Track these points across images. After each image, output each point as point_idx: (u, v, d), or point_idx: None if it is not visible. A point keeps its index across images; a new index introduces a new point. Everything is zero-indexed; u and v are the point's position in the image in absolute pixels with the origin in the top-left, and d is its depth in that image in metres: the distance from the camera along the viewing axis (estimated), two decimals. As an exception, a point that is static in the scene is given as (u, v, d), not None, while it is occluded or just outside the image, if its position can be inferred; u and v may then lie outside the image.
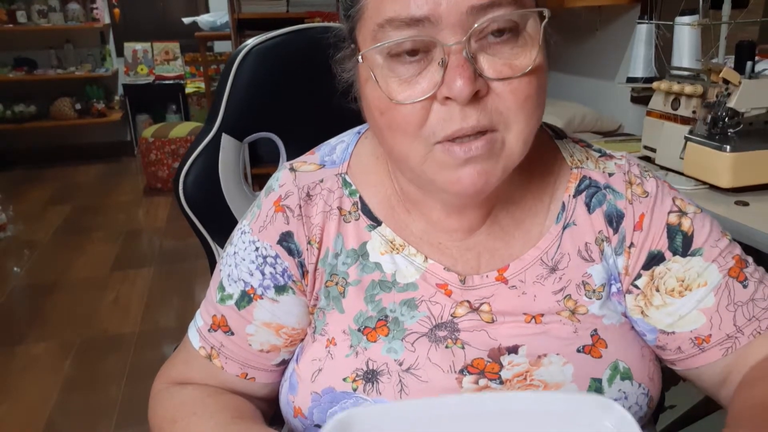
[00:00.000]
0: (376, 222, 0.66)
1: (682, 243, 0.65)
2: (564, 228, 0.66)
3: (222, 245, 0.96)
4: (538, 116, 0.56)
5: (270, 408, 0.73)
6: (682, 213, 0.66)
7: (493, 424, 0.42)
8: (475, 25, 0.51)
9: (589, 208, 0.66)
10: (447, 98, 0.52)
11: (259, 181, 3.35)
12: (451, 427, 0.42)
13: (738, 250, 0.66)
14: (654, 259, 0.65)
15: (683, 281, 0.64)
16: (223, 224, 0.95)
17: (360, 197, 0.67)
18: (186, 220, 0.95)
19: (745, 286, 0.64)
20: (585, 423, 0.42)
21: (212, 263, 0.96)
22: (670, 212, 0.66)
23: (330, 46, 0.62)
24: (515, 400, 0.42)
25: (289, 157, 0.92)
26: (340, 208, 0.66)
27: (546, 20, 0.53)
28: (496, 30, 0.52)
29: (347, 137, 0.72)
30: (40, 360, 2.33)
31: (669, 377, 0.70)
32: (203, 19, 4.31)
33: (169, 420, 0.65)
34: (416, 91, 0.53)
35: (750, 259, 0.67)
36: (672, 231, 0.65)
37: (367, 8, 0.55)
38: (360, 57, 0.56)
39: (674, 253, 0.65)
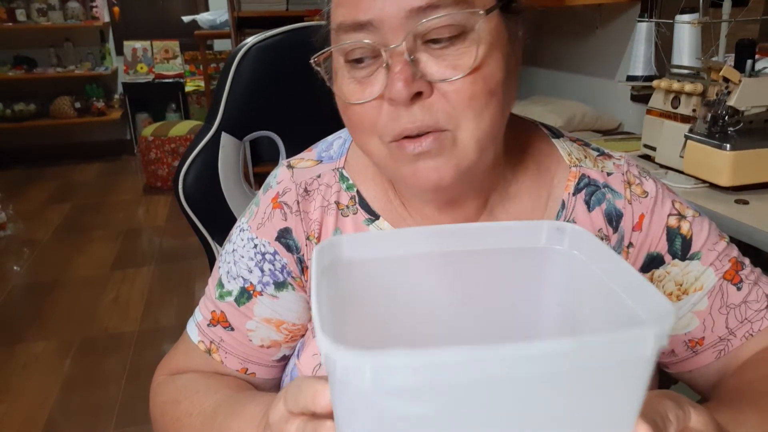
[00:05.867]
0: (374, 216, 0.66)
1: (681, 246, 0.65)
2: None
3: (221, 244, 0.96)
4: (492, 115, 0.55)
5: None
6: (681, 216, 0.66)
7: (464, 259, 0.44)
8: (417, 27, 0.51)
9: (589, 206, 0.66)
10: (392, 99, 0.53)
11: (258, 179, 3.33)
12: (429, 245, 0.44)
13: (735, 252, 0.66)
14: (653, 262, 0.65)
15: (681, 285, 0.64)
16: (222, 223, 0.95)
17: (357, 191, 0.67)
18: (186, 219, 0.95)
19: (739, 289, 0.64)
20: (541, 247, 0.44)
21: (212, 262, 0.96)
22: (669, 215, 0.65)
23: (316, 48, 0.63)
24: (478, 230, 0.44)
25: (289, 156, 0.92)
26: (337, 203, 0.66)
27: (485, 20, 0.53)
28: (439, 29, 0.52)
29: (344, 133, 0.72)
30: (40, 359, 2.33)
31: (668, 377, 0.70)
32: (203, 18, 4.30)
33: (171, 402, 0.66)
34: (366, 92, 0.55)
35: (747, 261, 0.67)
36: (671, 234, 0.65)
37: (330, 13, 0.57)
38: (314, 60, 0.58)
39: (673, 257, 0.65)
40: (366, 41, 0.53)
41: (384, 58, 0.53)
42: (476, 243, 0.44)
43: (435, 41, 0.53)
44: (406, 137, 0.54)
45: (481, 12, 0.52)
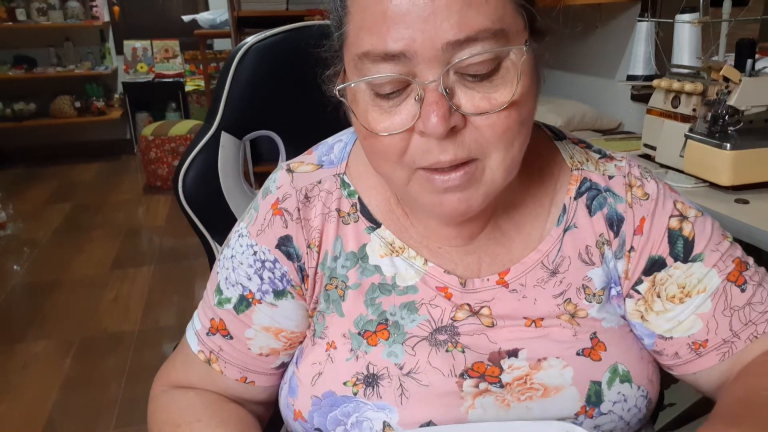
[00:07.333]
0: (375, 224, 0.65)
1: (683, 248, 0.64)
2: (565, 231, 0.65)
3: (222, 243, 0.96)
4: (521, 143, 0.55)
5: (267, 412, 0.73)
6: (683, 217, 0.65)
7: None
8: (455, 60, 0.50)
9: (590, 210, 0.65)
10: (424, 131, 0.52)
11: (258, 179, 3.32)
12: None
13: (738, 252, 0.66)
14: (655, 265, 0.64)
15: (684, 288, 0.64)
16: (222, 222, 0.94)
17: (359, 198, 0.66)
18: (186, 219, 0.95)
19: (743, 290, 0.63)
20: None
21: (212, 261, 0.96)
22: (671, 216, 0.65)
23: (321, 61, 0.61)
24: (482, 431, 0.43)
25: (289, 156, 0.91)
26: (338, 210, 0.65)
27: (524, 56, 0.52)
28: (477, 65, 0.51)
29: (345, 136, 0.71)
30: (40, 358, 2.33)
31: (668, 375, 0.69)
32: (203, 17, 4.30)
33: (171, 424, 0.65)
34: (395, 122, 0.53)
35: (750, 261, 0.66)
36: (673, 236, 0.64)
37: (349, 35, 0.54)
38: (337, 92, 0.56)
39: (675, 259, 0.64)
40: (396, 75, 0.51)
41: (415, 89, 0.52)
42: None
43: (468, 73, 0.51)
44: (436, 169, 0.54)
45: (524, 48, 0.52)
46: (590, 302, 0.64)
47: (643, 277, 0.65)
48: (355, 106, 0.56)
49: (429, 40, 0.49)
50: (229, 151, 0.95)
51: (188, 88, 5.35)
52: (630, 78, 1.91)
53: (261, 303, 0.66)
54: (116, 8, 5.35)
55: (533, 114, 0.57)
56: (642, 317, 0.65)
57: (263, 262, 0.65)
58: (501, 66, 0.52)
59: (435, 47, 0.49)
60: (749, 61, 1.32)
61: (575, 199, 0.66)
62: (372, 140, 0.55)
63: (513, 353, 0.62)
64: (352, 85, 0.55)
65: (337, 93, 0.56)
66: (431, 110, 0.50)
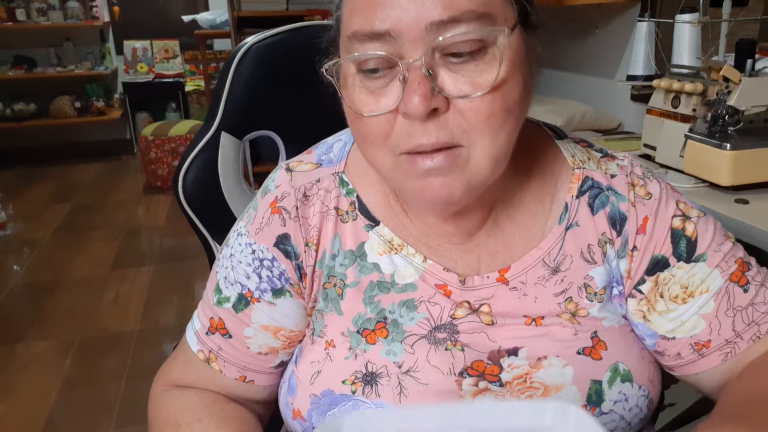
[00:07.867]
0: (374, 222, 0.65)
1: (686, 248, 0.64)
2: (567, 229, 0.65)
3: (221, 243, 0.96)
4: (507, 132, 0.55)
5: (267, 412, 0.73)
6: (685, 217, 0.65)
7: None
8: (439, 39, 0.50)
9: (593, 209, 0.65)
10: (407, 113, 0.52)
11: (258, 179, 3.33)
12: None
13: (741, 252, 0.66)
14: (658, 265, 0.64)
15: (687, 288, 0.64)
16: (222, 222, 0.94)
17: (357, 196, 0.66)
18: (186, 219, 0.95)
19: (745, 291, 0.63)
20: (546, 426, 0.43)
21: (212, 261, 0.96)
22: (674, 216, 0.65)
23: (321, 51, 0.62)
24: (483, 411, 0.43)
25: (289, 156, 0.91)
26: (337, 208, 0.66)
27: (507, 38, 0.52)
28: (460, 44, 0.51)
29: (344, 135, 0.71)
30: (40, 358, 2.33)
31: (668, 375, 0.69)
32: (203, 17, 4.30)
33: (172, 424, 0.65)
34: (381, 104, 0.54)
35: (753, 261, 0.66)
36: (676, 236, 0.64)
37: (342, 19, 0.55)
38: (325, 69, 0.56)
39: (678, 259, 0.64)
40: (381, 53, 0.52)
41: (400, 70, 0.52)
42: (482, 423, 0.43)
43: (454, 55, 0.51)
44: (419, 152, 0.54)
45: (506, 30, 0.52)
46: (591, 301, 0.64)
47: (646, 277, 0.65)
48: (345, 90, 0.56)
49: (414, 20, 0.50)
50: (229, 151, 0.95)
51: (188, 88, 5.35)
52: (630, 78, 1.91)
53: (260, 301, 0.66)
54: (116, 8, 5.35)
55: (523, 107, 0.56)
56: (644, 317, 0.65)
57: (261, 260, 0.65)
58: (487, 51, 0.52)
59: (420, 27, 0.50)
60: (749, 61, 1.32)
61: (577, 197, 0.65)
62: (359, 123, 0.56)
63: (513, 352, 0.62)
64: (341, 62, 0.55)
65: (325, 72, 0.57)
66: (413, 90, 0.51)
